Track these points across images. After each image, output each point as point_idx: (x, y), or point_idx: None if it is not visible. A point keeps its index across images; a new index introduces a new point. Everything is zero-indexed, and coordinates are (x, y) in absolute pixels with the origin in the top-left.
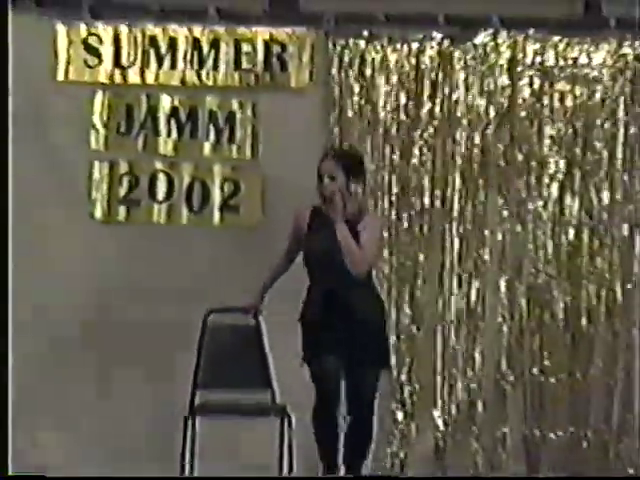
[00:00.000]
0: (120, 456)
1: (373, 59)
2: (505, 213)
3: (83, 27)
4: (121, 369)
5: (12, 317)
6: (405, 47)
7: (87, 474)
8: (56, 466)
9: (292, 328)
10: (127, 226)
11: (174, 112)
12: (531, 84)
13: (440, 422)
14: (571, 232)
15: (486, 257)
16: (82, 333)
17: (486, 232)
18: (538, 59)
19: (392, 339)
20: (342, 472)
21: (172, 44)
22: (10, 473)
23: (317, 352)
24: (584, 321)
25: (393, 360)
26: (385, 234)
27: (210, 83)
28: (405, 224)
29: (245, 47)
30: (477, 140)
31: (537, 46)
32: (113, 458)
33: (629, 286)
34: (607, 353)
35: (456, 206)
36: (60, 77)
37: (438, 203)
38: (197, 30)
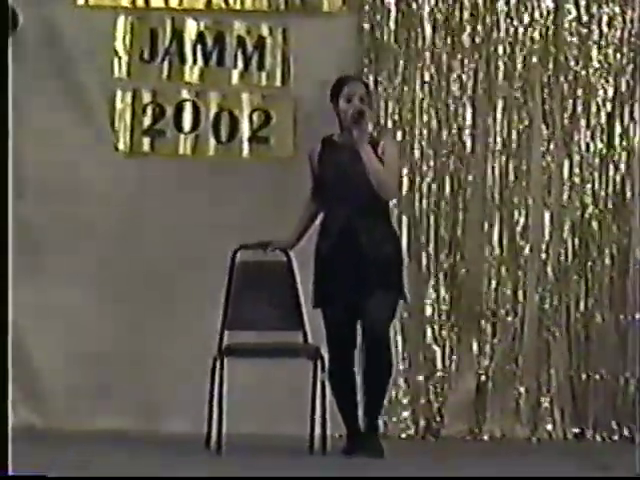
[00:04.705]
0: (148, 402)
1: None
2: (551, 145)
3: None
4: (143, 305)
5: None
6: None
7: (115, 404)
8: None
9: None
10: (151, 158)
11: (200, 38)
12: (577, 7)
13: (482, 363)
14: (621, 165)
15: (530, 191)
16: (103, 267)
17: (530, 164)
18: None
19: (433, 276)
20: (362, 426)
21: None
22: (10, 473)
23: (331, 296)
24: (632, 259)
25: (433, 297)
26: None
27: (238, 7)
28: (443, 157)
29: None
30: (519, 67)
31: None
32: (142, 403)
33: None
34: None
35: (498, 137)
36: (80, 1)
37: (479, 133)
38: None
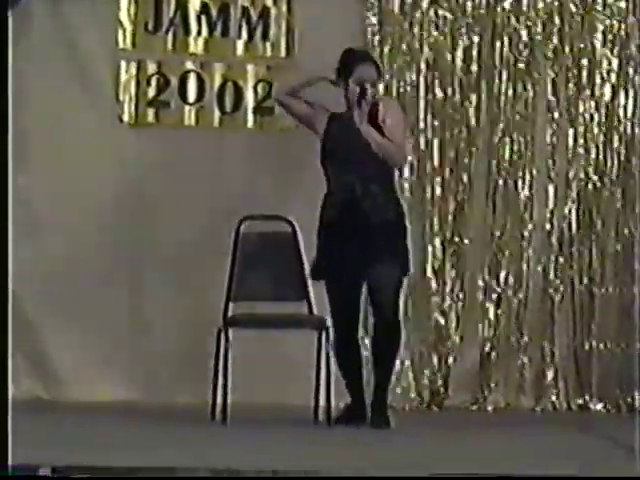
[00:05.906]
0: (153, 373)
1: None
2: (555, 114)
3: None
4: (148, 275)
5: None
6: None
7: (119, 376)
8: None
9: None
10: (156, 129)
11: (205, 8)
12: None
13: (486, 334)
14: (625, 135)
15: (534, 162)
16: (105, 235)
17: (534, 134)
18: None
19: (438, 248)
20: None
21: None
22: (10, 472)
23: (335, 267)
24: (635, 230)
25: (438, 268)
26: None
27: None
28: (447, 127)
29: None
30: (524, 37)
31: None
32: (147, 375)
33: None
34: None
35: (502, 105)
36: None
37: (483, 102)
38: None
